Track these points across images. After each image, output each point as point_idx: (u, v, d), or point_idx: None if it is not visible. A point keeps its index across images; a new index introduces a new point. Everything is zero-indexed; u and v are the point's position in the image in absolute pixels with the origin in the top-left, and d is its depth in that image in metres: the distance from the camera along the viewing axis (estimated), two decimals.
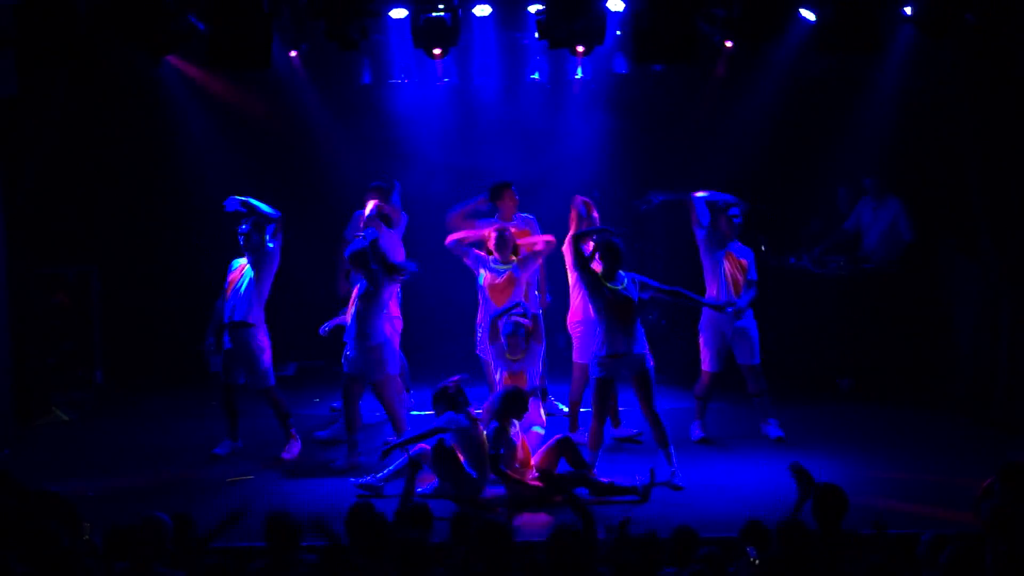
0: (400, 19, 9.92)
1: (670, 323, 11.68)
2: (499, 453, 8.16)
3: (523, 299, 9.48)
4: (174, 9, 9.25)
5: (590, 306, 8.82)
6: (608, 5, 9.64)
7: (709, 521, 7.37)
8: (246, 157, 12.17)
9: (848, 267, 11.63)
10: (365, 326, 8.96)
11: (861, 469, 8.69)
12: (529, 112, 12.53)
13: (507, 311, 9.25)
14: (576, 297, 9.51)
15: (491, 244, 9.59)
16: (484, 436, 8.23)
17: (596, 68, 12.14)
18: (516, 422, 8.36)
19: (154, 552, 5.78)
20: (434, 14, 9.50)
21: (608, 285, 8.58)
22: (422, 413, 9.78)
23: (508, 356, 9.15)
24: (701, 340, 9.71)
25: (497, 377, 9.25)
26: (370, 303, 8.97)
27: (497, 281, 9.54)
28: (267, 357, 9.39)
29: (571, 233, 9.08)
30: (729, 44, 10.55)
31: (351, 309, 9.13)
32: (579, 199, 9.50)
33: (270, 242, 9.35)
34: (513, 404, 8.34)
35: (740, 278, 9.60)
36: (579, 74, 12.22)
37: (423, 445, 8.16)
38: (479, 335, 9.81)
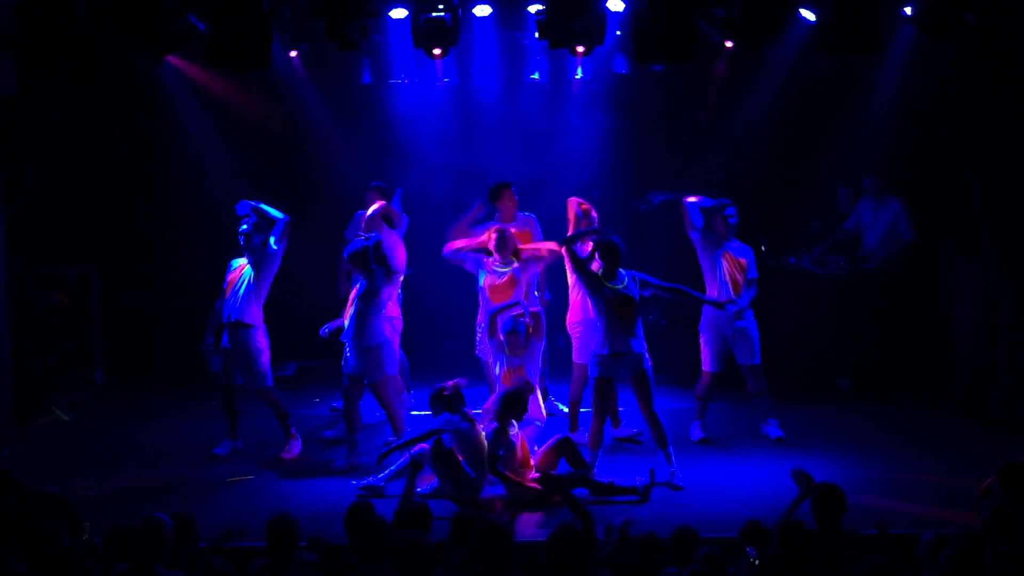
0: (400, 19, 9.92)
1: (670, 323, 11.68)
2: (497, 454, 8.16)
3: (523, 299, 9.48)
4: (174, 9, 9.26)
5: (589, 306, 8.82)
6: (608, 5, 9.64)
7: (709, 521, 7.38)
8: (246, 157, 12.17)
9: (848, 267, 11.63)
10: (364, 326, 8.96)
11: (861, 469, 8.69)
12: (529, 112, 12.52)
13: (506, 307, 9.24)
14: (575, 297, 9.50)
15: (491, 245, 9.57)
16: (483, 436, 8.23)
17: (596, 68, 12.13)
18: (515, 423, 8.36)
19: (154, 552, 5.78)
20: (434, 14, 9.50)
21: (608, 284, 8.58)
22: (422, 413, 9.78)
23: (508, 352, 9.15)
24: (702, 340, 9.71)
25: (496, 371, 9.23)
26: (369, 303, 8.97)
27: (498, 282, 9.53)
28: (265, 358, 9.38)
29: (566, 237, 9.09)
30: (729, 44, 10.54)
31: (349, 309, 9.13)
32: (574, 200, 9.51)
33: (275, 245, 9.34)
34: (512, 405, 8.34)
35: (739, 278, 9.60)
36: (579, 74, 12.22)
37: (422, 446, 8.16)
38: (479, 335, 9.80)
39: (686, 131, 12.41)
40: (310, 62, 11.94)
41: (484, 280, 9.61)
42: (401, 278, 9.73)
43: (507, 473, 8.14)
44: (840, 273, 11.59)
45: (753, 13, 9.27)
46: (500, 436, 8.21)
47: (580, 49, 9.78)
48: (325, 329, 9.63)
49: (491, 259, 9.60)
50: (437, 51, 9.74)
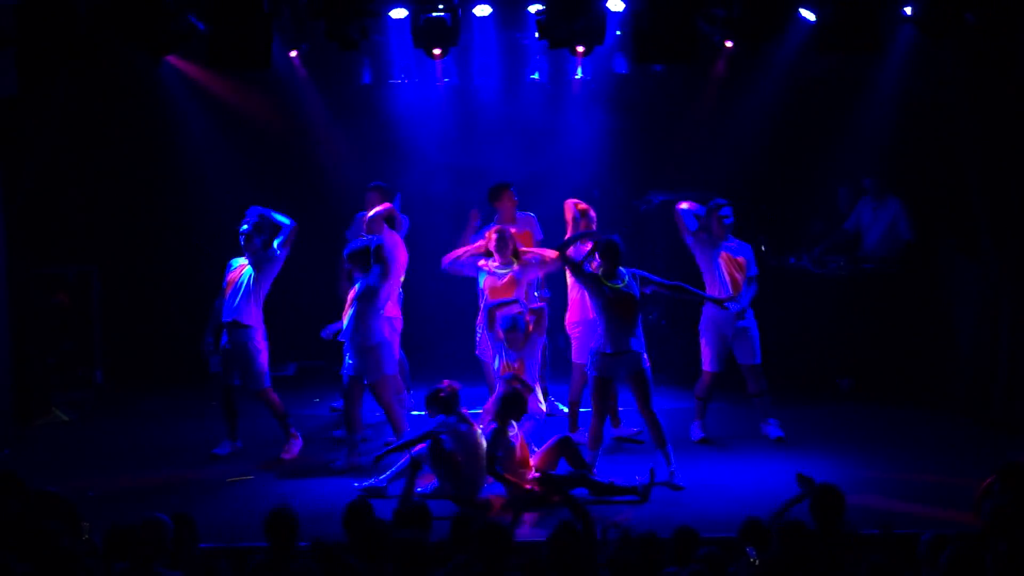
0: (400, 19, 9.92)
1: (670, 323, 11.68)
2: (496, 455, 8.16)
3: (523, 299, 9.47)
4: (174, 9, 9.25)
5: (588, 306, 8.82)
6: (608, 5, 9.64)
7: (709, 521, 7.36)
8: (246, 157, 12.17)
9: (848, 267, 11.62)
10: (362, 327, 8.96)
11: (861, 469, 8.69)
12: (529, 112, 12.52)
13: (505, 303, 9.22)
14: (575, 296, 9.50)
15: (491, 245, 9.56)
16: (480, 437, 8.22)
17: (596, 68, 12.13)
18: (515, 424, 8.36)
19: (154, 552, 5.78)
20: (434, 14, 9.51)
21: (608, 284, 8.57)
22: (422, 413, 9.77)
23: (507, 347, 9.13)
24: (702, 340, 9.70)
25: (496, 365, 9.21)
26: (367, 304, 8.97)
27: (498, 284, 9.50)
28: (263, 359, 9.37)
29: (564, 240, 9.09)
30: (729, 44, 10.54)
31: (348, 310, 9.12)
32: (571, 202, 9.50)
33: (279, 249, 9.34)
34: (512, 406, 8.34)
35: (739, 277, 9.59)
36: (579, 74, 12.21)
37: (420, 447, 8.16)
38: (479, 336, 9.80)
39: (686, 131, 12.42)
40: (310, 62, 11.94)
41: (484, 281, 9.59)
42: (402, 278, 9.72)
43: (506, 474, 8.14)
44: (840, 273, 11.58)
45: (753, 13, 9.28)
46: (499, 437, 8.20)
47: (580, 49, 9.79)
48: (326, 331, 9.63)
49: (491, 260, 9.56)
50: (437, 51, 9.75)
